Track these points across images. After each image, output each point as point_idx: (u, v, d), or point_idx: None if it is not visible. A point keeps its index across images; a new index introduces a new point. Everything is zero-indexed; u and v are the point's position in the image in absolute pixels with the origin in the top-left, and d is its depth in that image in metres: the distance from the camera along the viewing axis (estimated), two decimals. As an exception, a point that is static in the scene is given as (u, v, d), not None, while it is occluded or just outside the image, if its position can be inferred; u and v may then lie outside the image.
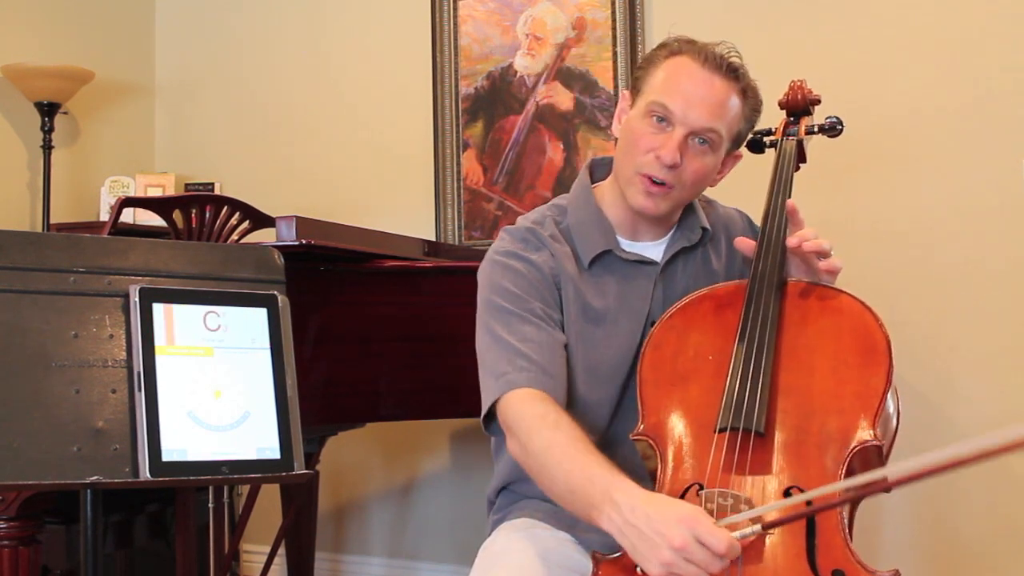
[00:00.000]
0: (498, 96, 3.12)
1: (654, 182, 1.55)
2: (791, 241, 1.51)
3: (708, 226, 1.69)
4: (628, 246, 1.66)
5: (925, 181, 2.57)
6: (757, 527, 1.22)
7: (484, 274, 1.64)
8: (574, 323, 1.61)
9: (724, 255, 1.71)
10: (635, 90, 1.62)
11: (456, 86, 3.18)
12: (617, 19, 2.93)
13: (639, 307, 1.63)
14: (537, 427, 1.44)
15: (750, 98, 1.60)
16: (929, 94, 2.57)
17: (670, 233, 1.68)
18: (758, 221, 1.66)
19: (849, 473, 1.36)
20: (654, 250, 1.67)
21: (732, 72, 1.56)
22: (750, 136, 1.75)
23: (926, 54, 2.58)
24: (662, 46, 1.61)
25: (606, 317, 1.62)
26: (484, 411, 1.54)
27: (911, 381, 2.54)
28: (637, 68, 1.65)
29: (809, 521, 1.31)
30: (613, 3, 2.94)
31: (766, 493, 1.34)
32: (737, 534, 1.21)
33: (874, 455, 1.40)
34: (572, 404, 1.58)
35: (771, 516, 1.26)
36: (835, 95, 2.51)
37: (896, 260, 2.59)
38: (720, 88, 1.55)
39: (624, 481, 1.30)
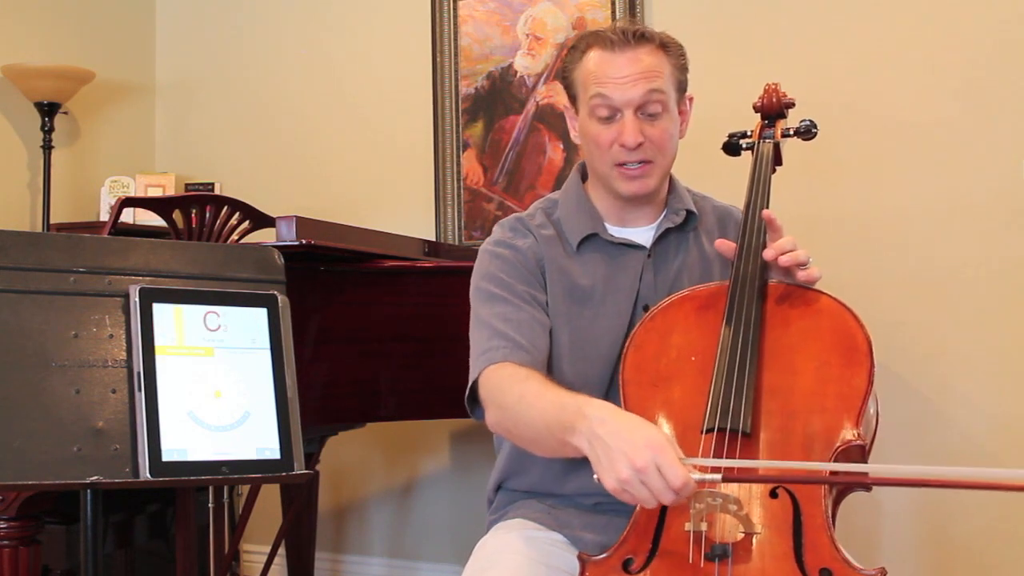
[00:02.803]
0: (498, 96, 3.13)
1: (632, 167, 1.61)
2: (767, 254, 1.52)
3: (693, 208, 1.71)
4: (616, 231, 1.70)
5: (922, 181, 2.57)
6: (718, 475, 1.25)
7: (475, 264, 1.71)
8: (560, 304, 1.65)
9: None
10: (571, 98, 1.68)
11: (456, 86, 3.18)
12: (617, 19, 2.92)
13: (627, 289, 1.65)
14: (508, 385, 1.50)
15: (671, 47, 1.64)
16: (924, 93, 2.57)
17: (658, 219, 1.71)
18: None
19: (833, 473, 1.37)
20: (643, 235, 1.70)
21: (640, 38, 1.60)
22: (727, 139, 1.79)
23: (918, 53, 2.57)
24: (572, 49, 1.67)
25: (593, 296, 1.65)
26: (467, 390, 1.58)
27: (910, 381, 2.54)
28: (563, 78, 1.70)
29: (796, 520, 1.32)
30: (613, 3, 2.94)
31: (752, 493, 1.35)
32: (696, 475, 1.24)
33: (857, 454, 1.41)
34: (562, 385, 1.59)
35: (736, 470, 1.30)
36: (831, 94, 2.53)
37: (895, 260, 2.59)
38: (639, 57, 1.59)
39: (595, 400, 1.36)
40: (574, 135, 1.71)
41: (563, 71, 1.69)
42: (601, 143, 1.62)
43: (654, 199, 1.69)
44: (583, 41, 1.64)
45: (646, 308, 1.63)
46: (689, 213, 1.70)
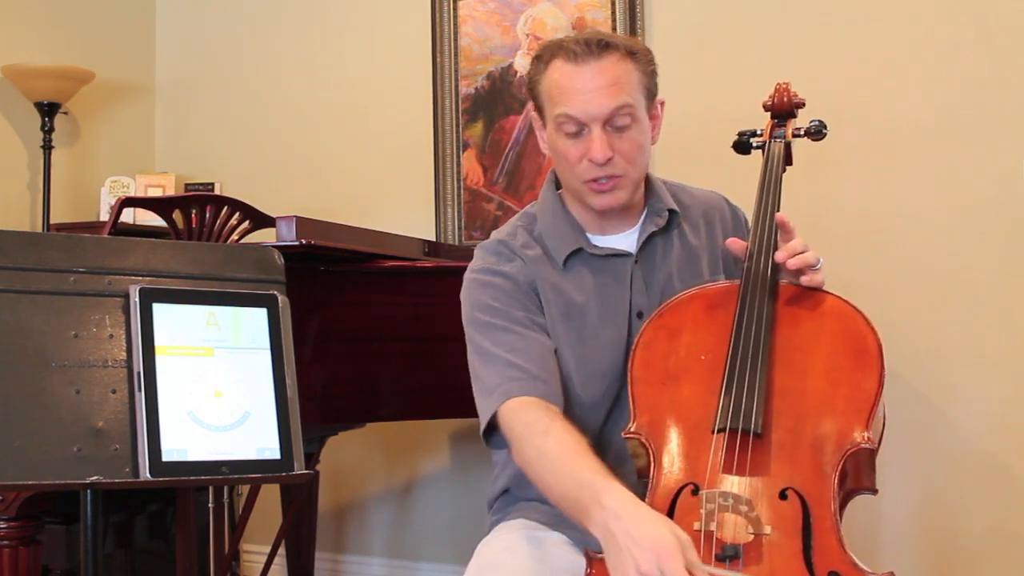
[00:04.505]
0: (498, 96, 3.12)
1: (601, 182, 1.57)
2: (779, 256, 1.51)
3: (674, 207, 1.68)
4: (599, 241, 1.67)
5: (924, 182, 2.57)
6: None
7: (464, 294, 1.66)
8: (559, 325, 1.62)
9: (704, 232, 1.71)
10: (537, 109, 1.64)
11: (456, 86, 3.18)
12: (617, 19, 2.92)
13: (620, 300, 1.63)
14: (527, 435, 1.47)
15: (638, 54, 1.58)
16: (925, 93, 2.57)
17: (639, 222, 1.68)
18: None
19: (842, 475, 1.37)
20: (626, 241, 1.67)
21: (603, 47, 1.54)
22: (737, 138, 1.77)
23: (920, 54, 2.58)
24: (536, 59, 1.62)
25: (589, 312, 1.63)
26: (483, 426, 1.56)
27: (911, 382, 2.54)
28: (529, 89, 1.65)
29: (805, 522, 1.31)
30: (613, 3, 2.94)
31: (762, 494, 1.35)
32: None
33: (866, 458, 1.40)
34: (568, 406, 1.59)
35: None
36: (833, 94, 2.53)
37: (896, 260, 2.59)
38: (603, 70, 1.53)
39: (614, 485, 1.32)
40: (543, 146, 1.66)
41: (528, 82, 1.64)
42: (570, 159, 1.57)
43: (631, 203, 1.66)
44: (547, 52, 1.59)
45: (640, 315, 1.61)
46: (671, 212, 1.68)
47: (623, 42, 1.57)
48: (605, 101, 1.53)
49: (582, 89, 1.53)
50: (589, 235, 1.67)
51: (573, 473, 1.36)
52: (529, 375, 1.52)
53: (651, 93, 1.61)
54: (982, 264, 2.50)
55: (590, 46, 1.53)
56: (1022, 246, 2.46)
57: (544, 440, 1.44)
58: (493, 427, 1.55)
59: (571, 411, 1.59)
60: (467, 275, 1.68)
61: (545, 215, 1.69)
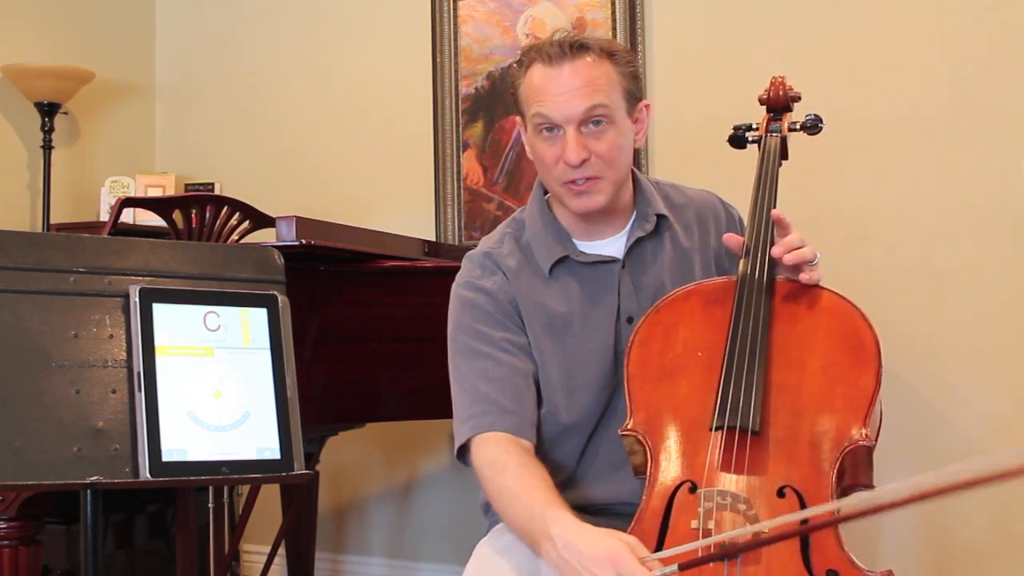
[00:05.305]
0: (498, 96, 3.12)
1: (578, 183, 1.56)
2: (775, 251, 1.51)
3: (663, 211, 1.67)
4: (586, 247, 1.66)
5: (923, 180, 2.57)
6: (674, 566, 1.23)
7: (450, 309, 1.68)
8: (542, 339, 1.62)
9: (696, 234, 1.70)
10: (519, 113, 1.64)
11: (456, 86, 3.18)
12: (617, 19, 2.93)
13: (607, 306, 1.62)
14: (488, 474, 1.50)
15: (616, 54, 1.58)
16: (924, 91, 2.57)
17: (628, 226, 1.67)
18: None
19: (840, 473, 1.37)
20: (613, 246, 1.66)
21: (578, 49, 1.54)
22: (732, 132, 1.76)
23: (920, 51, 2.58)
24: (516, 64, 1.62)
25: (574, 322, 1.62)
26: (456, 449, 1.59)
27: (911, 382, 2.54)
28: (510, 93, 1.66)
29: (802, 521, 1.31)
30: (613, 3, 2.94)
31: (760, 492, 1.35)
32: (657, 572, 1.23)
33: (864, 455, 1.40)
34: (557, 418, 1.60)
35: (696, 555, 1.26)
36: (831, 90, 2.53)
37: (895, 259, 2.59)
38: (577, 71, 1.53)
39: (559, 514, 1.34)
40: (528, 151, 1.66)
41: (511, 87, 1.64)
42: (547, 161, 1.57)
43: (617, 207, 1.64)
44: (526, 56, 1.59)
45: (630, 320, 1.61)
46: (660, 217, 1.66)
47: (600, 43, 1.57)
48: (579, 102, 1.52)
49: (556, 90, 1.53)
50: (576, 241, 1.66)
51: (527, 506, 1.40)
52: (497, 408, 1.54)
53: (632, 95, 1.60)
54: (982, 264, 2.50)
55: (564, 48, 1.54)
56: (1022, 246, 2.46)
57: (503, 477, 1.47)
58: (465, 448, 1.58)
59: (559, 425, 1.60)
60: (453, 288, 1.69)
61: (533, 222, 1.69)
